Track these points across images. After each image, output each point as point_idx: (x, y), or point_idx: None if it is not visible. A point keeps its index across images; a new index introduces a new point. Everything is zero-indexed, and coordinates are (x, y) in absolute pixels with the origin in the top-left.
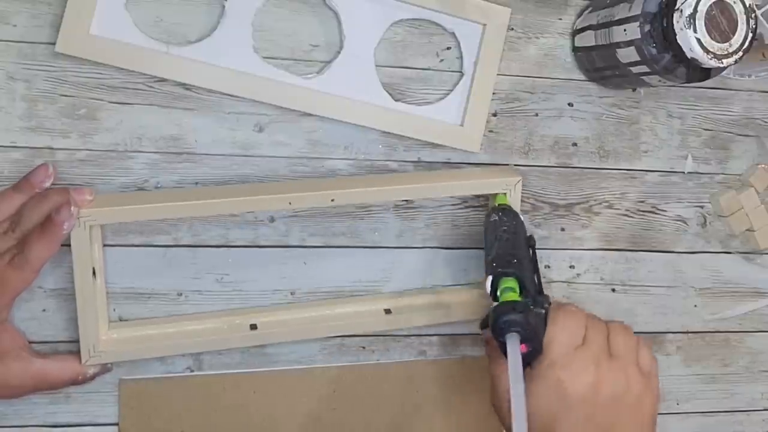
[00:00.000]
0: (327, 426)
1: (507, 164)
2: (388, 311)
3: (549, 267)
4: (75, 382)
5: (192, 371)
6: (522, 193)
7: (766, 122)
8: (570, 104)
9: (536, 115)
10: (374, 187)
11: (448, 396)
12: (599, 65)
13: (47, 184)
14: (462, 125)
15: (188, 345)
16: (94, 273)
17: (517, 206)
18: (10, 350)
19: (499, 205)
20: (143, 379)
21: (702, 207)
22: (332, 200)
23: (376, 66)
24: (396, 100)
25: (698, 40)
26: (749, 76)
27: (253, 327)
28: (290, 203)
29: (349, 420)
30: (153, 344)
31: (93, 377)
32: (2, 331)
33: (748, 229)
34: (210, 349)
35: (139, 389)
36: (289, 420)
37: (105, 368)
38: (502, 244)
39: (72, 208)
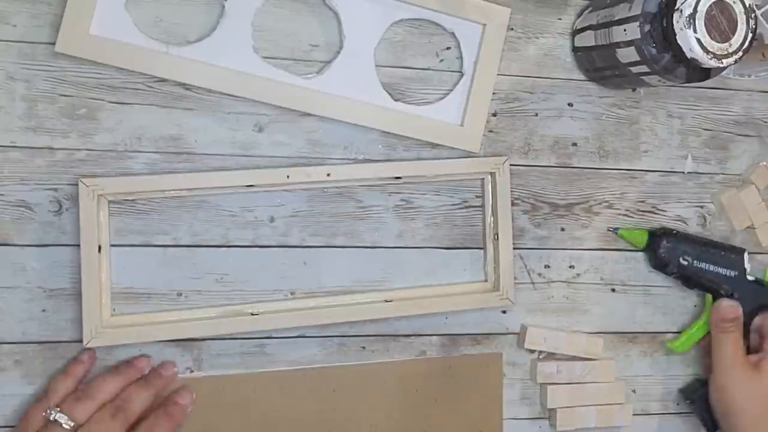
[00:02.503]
0: (327, 425)
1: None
2: (388, 301)
3: (549, 267)
4: None
5: (192, 371)
6: (522, 192)
7: (766, 122)
8: (570, 104)
9: (536, 115)
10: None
11: (447, 395)
12: (599, 65)
13: (147, 371)
14: (462, 125)
15: (189, 329)
16: (99, 250)
17: (506, 190)
18: None
19: None
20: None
21: (702, 207)
22: (328, 174)
23: (376, 66)
24: (396, 100)
25: (698, 40)
26: (749, 76)
27: (254, 314)
28: (288, 176)
29: (349, 420)
30: (155, 328)
31: None
32: None
33: (749, 227)
34: (211, 334)
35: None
36: (288, 420)
37: None
38: None
39: (192, 394)
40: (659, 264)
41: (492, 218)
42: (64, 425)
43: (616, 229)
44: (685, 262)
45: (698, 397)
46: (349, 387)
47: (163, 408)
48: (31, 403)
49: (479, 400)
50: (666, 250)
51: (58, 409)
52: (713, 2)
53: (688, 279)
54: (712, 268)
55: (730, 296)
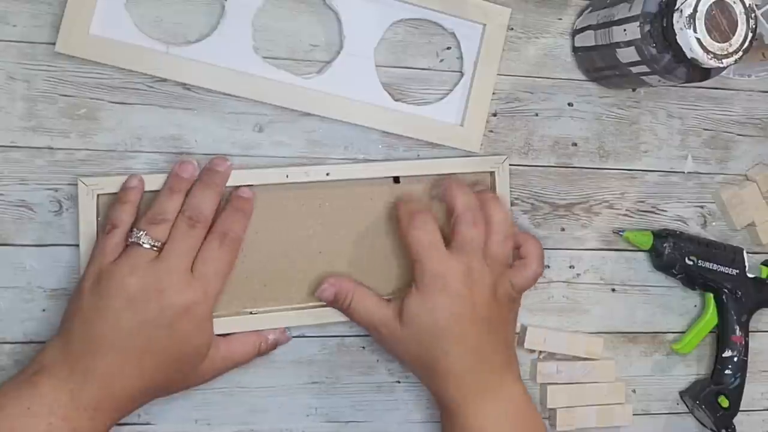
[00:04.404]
0: (314, 239)
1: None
2: (388, 300)
3: (549, 267)
4: (259, 352)
5: None
6: (522, 192)
7: (766, 122)
8: (570, 104)
9: (536, 115)
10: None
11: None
12: (599, 65)
13: (197, 174)
14: (462, 125)
15: None
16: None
17: (506, 188)
18: (211, 340)
19: None
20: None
21: (702, 207)
22: (327, 174)
23: (376, 66)
24: (396, 100)
25: (698, 40)
26: (749, 76)
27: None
28: (287, 176)
29: (336, 234)
30: None
31: (274, 345)
32: (210, 320)
33: (749, 225)
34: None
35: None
36: (273, 233)
37: (285, 336)
38: None
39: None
40: (665, 265)
41: None
42: (145, 245)
43: (621, 231)
44: (691, 262)
45: (704, 397)
46: (336, 202)
47: (231, 205)
48: (100, 235)
49: None
50: (672, 251)
51: (144, 231)
52: (713, 2)
53: (692, 279)
54: (715, 267)
55: (734, 294)
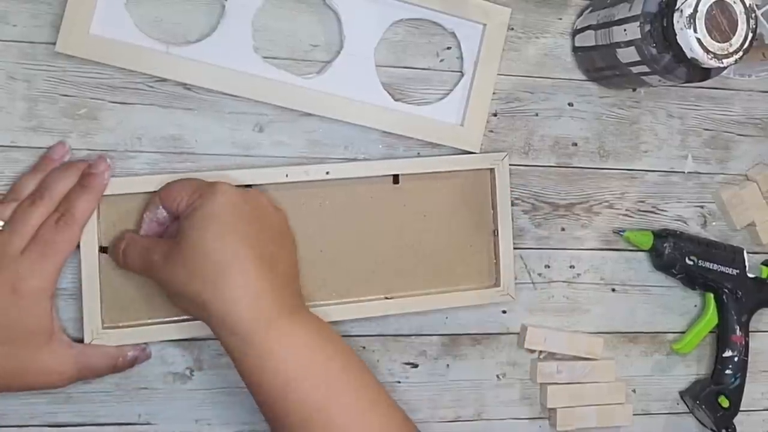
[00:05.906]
0: (315, 238)
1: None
2: (389, 298)
3: (549, 267)
4: (116, 367)
5: (192, 371)
6: (522, 192)
7: (766, 121)
8: (570, 104)
9: (536, 115)
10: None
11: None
12: (599, 65)
13: (66, 159)
14: (462, 125)
15: (189, 329)
16: (101, 250)
17: (506, 186)
18: (56, 331)
19: None
20: (124, 196)
21: (702, 207)
22: (327, 173)
23: (376, 66)
24: (396, 100)
25: (698, 40)
26: (749, 76)
27: None
28: (287, 175)
29: (337, 233)
30: (155, 328)
31: (133, 362)
32: (51, 307)
33: (749, 224)
34: (211, 334)
35: (119, 208)
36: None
37: (144, 354)
38: None
39: (107, 159)
40: (665, 265)
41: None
42: None
43: (622, 230)
44: (691, 262)
45: (704, 397)
46: (338, 202)
47: (78, 182)
48: None
49: (470, 215)
50: (672, 251)
51: None
52: (713, 2)
53: (692, 279)
54: (716, 267)
55: (734, 294)
